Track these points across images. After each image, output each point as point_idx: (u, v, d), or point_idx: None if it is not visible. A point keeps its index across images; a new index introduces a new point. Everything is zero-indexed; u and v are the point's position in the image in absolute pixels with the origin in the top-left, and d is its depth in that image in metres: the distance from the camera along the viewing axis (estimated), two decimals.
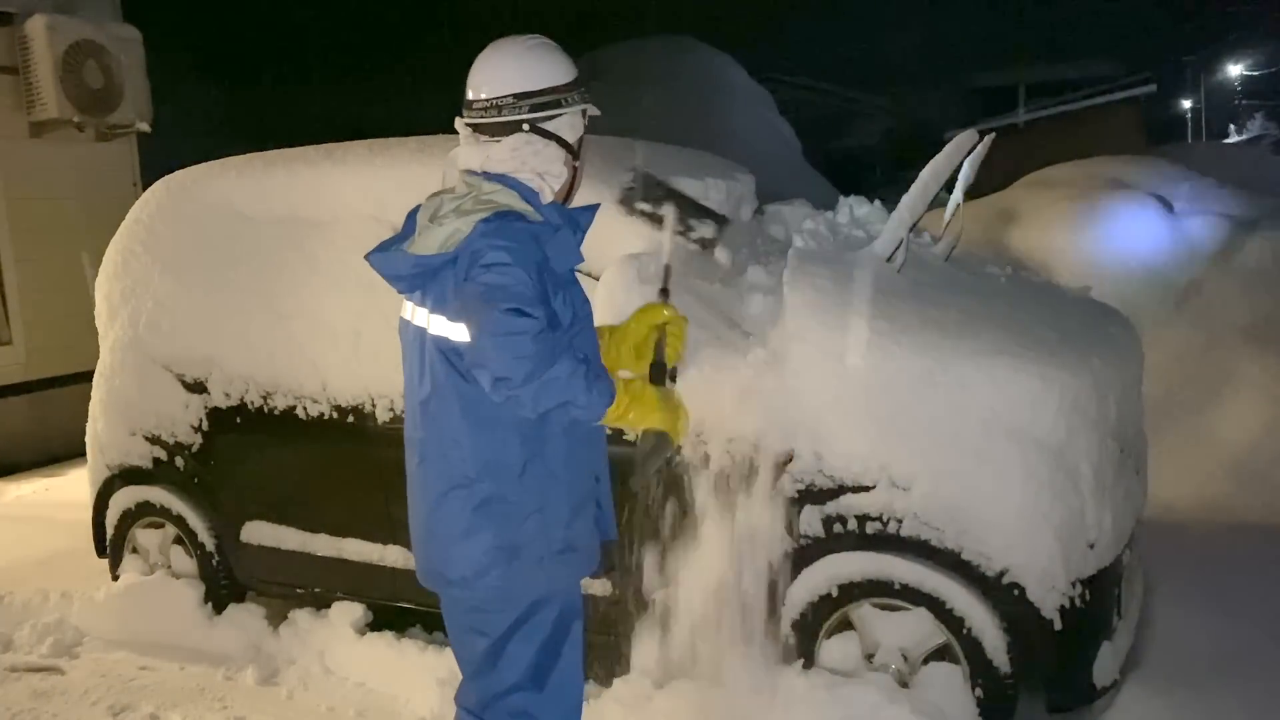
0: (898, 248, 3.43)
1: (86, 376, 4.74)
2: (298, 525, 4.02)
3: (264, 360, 4.00)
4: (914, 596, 3.04)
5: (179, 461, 4.25)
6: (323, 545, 3.98)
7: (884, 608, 3.11)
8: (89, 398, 4.57)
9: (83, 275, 4.78)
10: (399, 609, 3.91)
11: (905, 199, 3.43)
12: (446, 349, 2.24)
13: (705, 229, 2.60)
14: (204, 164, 4.42)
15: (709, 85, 16.28)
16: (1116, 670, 3.16)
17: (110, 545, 4.55)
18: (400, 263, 2.26)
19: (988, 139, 3.65)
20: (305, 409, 3.90)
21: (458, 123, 2.33)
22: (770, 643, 3.25)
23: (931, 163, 3.47)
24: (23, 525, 6.03)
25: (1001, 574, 2.93)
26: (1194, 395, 5.29)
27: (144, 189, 4.88)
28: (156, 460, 4.30)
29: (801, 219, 4.14)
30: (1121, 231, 6.22)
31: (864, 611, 3.14)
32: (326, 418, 3.86)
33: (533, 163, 2.25)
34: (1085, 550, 2.97)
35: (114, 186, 7.94)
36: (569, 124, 2.29)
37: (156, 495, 4.36)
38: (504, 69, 2.27)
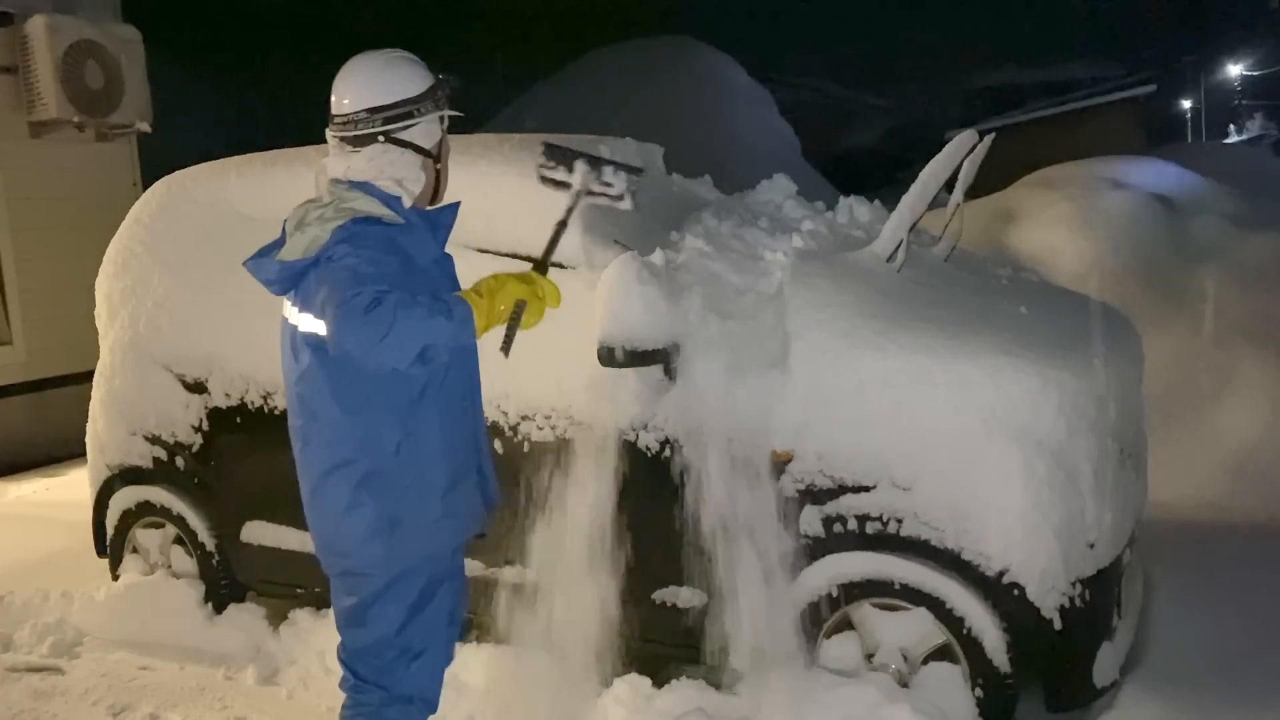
0: (898, 248, 3.43)
1: (86, 376, 4.74)
2: (298, 525, 4.00)
3: (264, 360, 3.99)
4: (914, 596, 3.05)
5: (179, 461, 4.26)
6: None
7: (884, 607, 3.12)
8: (89, 398, 4.57)
9: (83, 275, 4.78)
10: None
11: (905, 199, 3.43)
12: (314, 343, 2.41)
13: (619, 181, 2.76)
14: (204, 164, 4.42)
15: (709, 85, 16.29)
16: (1116, 670, 3.16)
17: (110, 545, 4.55)
18: (269, 268, 2.45)
19: (988, 139, 3.66)
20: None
21: (327, 133, 2.50)
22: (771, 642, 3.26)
23: (931, 163, 3.47)
24: (23, 525, 6.03)
25: (1001, 574, 2.93)
26: (1194, 395, 5.29)
27: (144, 189, 4.88)
28: (157, 460, 4.30)
29: (784, 194, 4.24)
30: (1121, 231, 6.22)
31: (864, 611, 3.14)
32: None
33: (390, 171, 2.43)
34: (1085, 550, 2.97)
35: (114, 186, 7.94)
36: (423, 132, 2.47)
37: (157, 495, 4.36)
38: (359, 85, 2.45)
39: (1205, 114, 36.79)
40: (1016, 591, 2.92)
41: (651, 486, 3.33)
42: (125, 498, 4.46)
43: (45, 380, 7.69)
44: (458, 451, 2.56)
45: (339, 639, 2.68)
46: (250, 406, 4.05)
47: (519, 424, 3.52)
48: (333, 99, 2.47)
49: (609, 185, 2.70)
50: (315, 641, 3.93)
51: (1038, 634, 2.96)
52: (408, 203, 2.45)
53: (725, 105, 15.99)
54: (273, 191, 4.05)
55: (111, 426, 4.43)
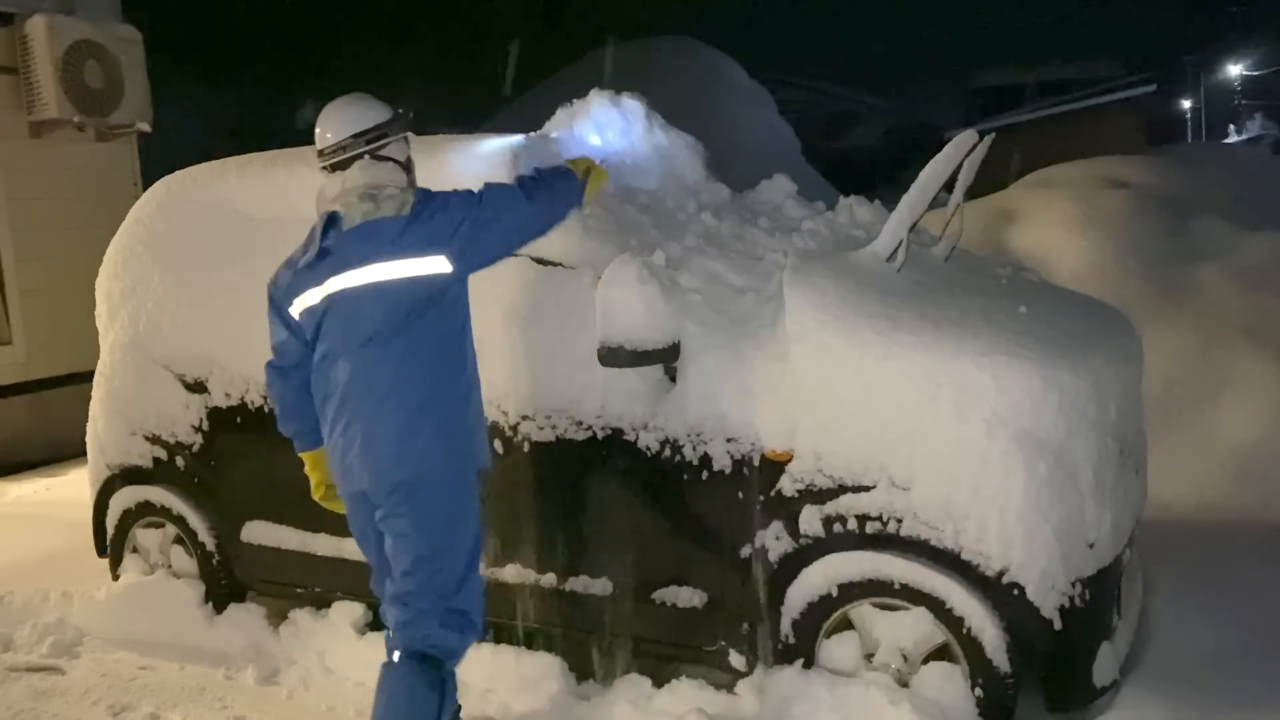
0: (898, 248, 3.43)
1: (86, 376, 4.74)
2: (298, 525, 4.02)
3: (263, 359, 3.99)
4: (914, 596, 3.04)
5: (179, 461, 4.26)
6: (323, 545, 3.98)
7: (884, 607, 3.11)
8: (89, 398, 4.57)
9: (83, 275, 4.78)
10: None
11: (905, 199, 3.43)
12: (419, 285, 2.92)
13: None
14: (204, 164, 4.42)
15: (709, 85, 16.29)
16: (1116, 670, 3.16)
17: (110, 545, 4.55)
18: (382, 231, 2.93)
19: (988, 139, 3.65)
20: None
21: (318, 166, 3.09)
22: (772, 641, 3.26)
23: (931, 163, 3.47)
24: (23, 525, 6.03)
25: (1001, 573, 2.93)
26: (1194, 395, 5.29)
27: (144, 189, 4.88)
28: (157, 460, 4.30)
29: (784, 194, 4.27)
30: (1121, 231, 6.22)
31: (864, 611, 3.14)
32: None
33: (380, 178, 3.01)
34: (1085, 550, 2.97)
35: (114, 186, 7.93)
36: (397, 148, 3.08)
37: (157, 495, 4.36)
38: (341, 119, 3.06)
39: (1205, 114, 36.79)
40: (1016, 591, 2.92)
41: (652, 486, 3.33)
42: (125, 497, 4.46)
43: (45, 380, 7.69)
44: (478, 389, 3.13)
45: (402, 588, 2.93)
46: (250, 406, 4.05)
47: (519, 424, 3.52)
48: (319, 135, 3.07)
49: None
50: (315, 642, 3.94)
51: (1038, 634, 2.96)
52: None
53: (725, 105, 15.99)
54: (273, 191, 4.06)
55: (111, 426, 4.43)
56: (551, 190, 3.08)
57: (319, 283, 2.98)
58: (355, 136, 3.01)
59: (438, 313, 2.94)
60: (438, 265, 2.91)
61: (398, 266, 2.90)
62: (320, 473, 3.21)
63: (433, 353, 2.95)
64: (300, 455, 3.25)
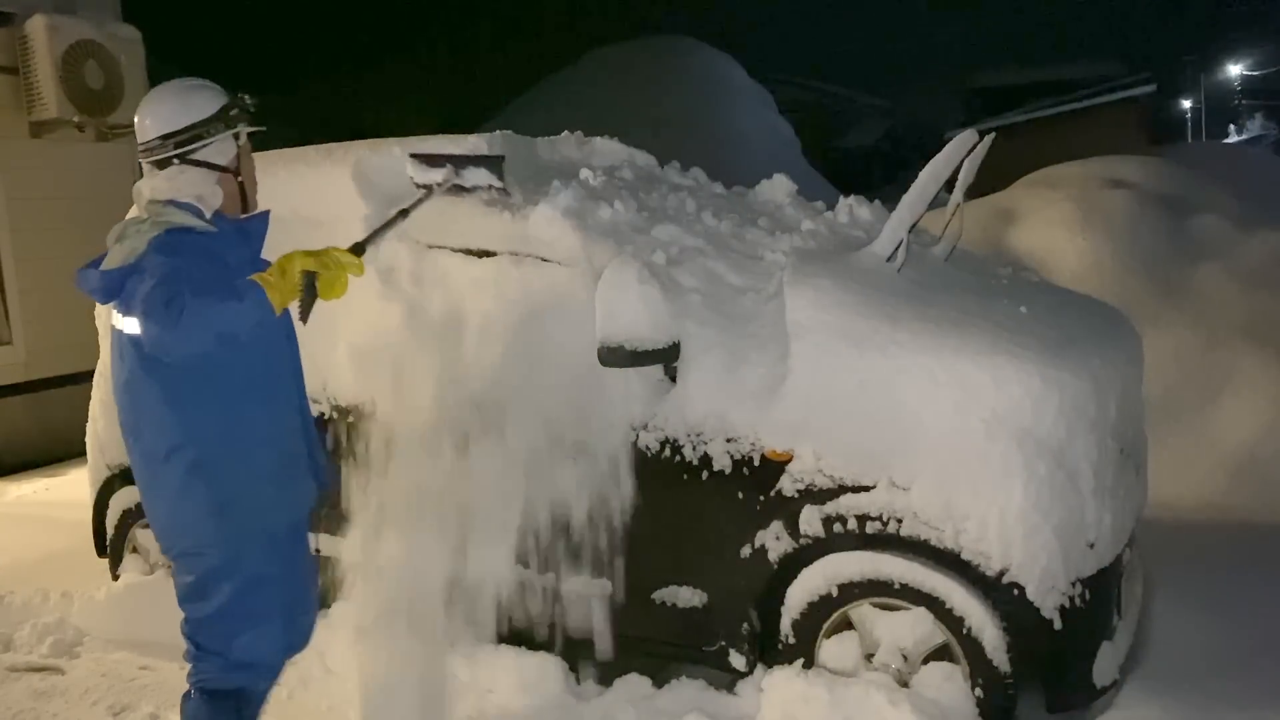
0: (898, 248, 3.43)
1: (86, 376, 4.73)
2: None
3: None
4: (914, 596, 3.05)
5: None
6: (322, 545, 3.98)
7: (884, 607, 3.12)
8: (89, 398, 4.57)
9: None
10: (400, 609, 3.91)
11: (905, 199, 3.43)
12: (137, 342, 2.60)
13: (479, 175, 3.37)
14: None
15: (709, 85, 16.30)
16: (1116, 670, 3.16)
17: (110, 545, 4.55)
18: (91, 278, 2.65)
19: (988, 139, 3.65)
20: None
21: (138, 158, 2.78)
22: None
23: (931, 163, 3.47)
24: (23, 525, 6.03)
25: (1001, 573, 2.93)
26: (1194, 395, 5.29)
27: None
28: None
29: (784, 194, 4.28)
30: (1121, 231, 6.22)
31: (864, 611, 3.14)
32: (327, 417, 3.86)
33: (187, 188, 2.69)
34: (1085, 550, 2.97)
35: (114, 186, 7.92)
36: (217, 150, 2.73)
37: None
38: (153, 114, 2.73)
39: (1205, 114, 36.80)
40: (1016, 591, 2.92)
41: (652, 486, 3.33)
42: (125, 497, 4.45)
43: (45, 380, 7.69)
44: (284, 436, 2.83)
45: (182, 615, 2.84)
46: None
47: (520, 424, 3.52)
48: (135, 127, 2.75)
49: (473, 178, 3.33)
50: (315, 641, 3.92)
51: (1038, 634, 2.96)
52: (208, 214, 2.71)
53: (725, 105, 16.00)
54: (273, 191, 4.05)
55: (111, 426, 4.41)
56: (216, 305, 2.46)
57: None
58: (164, 138, 2.69)
59: (181, 371, 2.60)
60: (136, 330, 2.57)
61: (123, 321, 2.64)
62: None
63: (192, 408, 2.64)
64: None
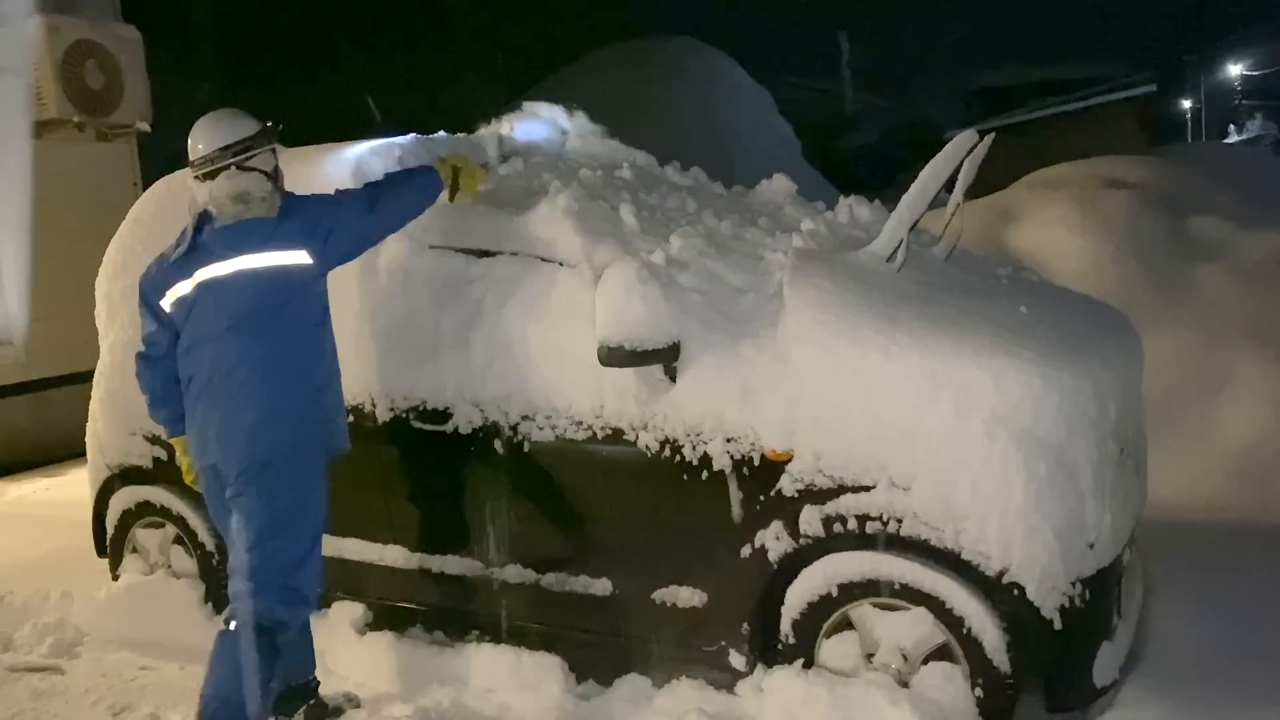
0: (898, 248, 3.43)
1: (86, 376, 4.73)
2: None
3: None
4: (914, 596, 3.05)
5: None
6: (323, 545, 3.98)
7: (884, 607, 3.11)
8: (89, 398, 4.57)
9: (83, 275, 4.78)
10: (399, 609, 3.91)
11: (905, 199, 3.43)
12: (284, 275, 3.18)
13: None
14: None
15: (709, 85, 16.30)
16: (1116, 670, 3.16)
17: (110, 545, 4.55)
18: (253, 229, 3.19)
19: (988, 139, 3.65)
20: None
21: (189, 179, 3.29)
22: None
23: (931, 163, 3.47)
24: (23, 525, 6.03)
25: (1001, 573, 2.93)
26: (1194, 395, 5.29)
27: (144, 189, 4.87)
28: (156, 460, 4.29)
29: (784, 194, 4.31)
30: (1121, 231, 6.21)
31: (864, 611, 3.14)
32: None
33: (247, 186, 3.21)
34: (1085, 550, 2.97)
35: (114, 186, 7.94)
36: (261, 160, 3.25)
37: (157, 495, 4.36)
38: (210, 133, 3.24)
39: (1205, 114, 36.79)
40: (1016, 591, 2.92)
41: (652, 486, 3.33)
42: (125, 497, 4.46)
43: (45, 380, 7.69)
44: (340, 383, 3.40)
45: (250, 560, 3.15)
46: None
47: (519, 424, 3.52)
48: (190, 148, 3.25)
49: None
50: (315, 641, 3.93)
51: (1038, 634, 2.96)
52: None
53: (725, 105, 16.00)
54: None
55: (111, 426, 4.43)
56: (398, 193, 3.39)
57: (188, 275, 3.21)
58: (223, 149, 3.20)
59: (300, 304, 3.21)
60: (301, 259, 3.19)
61: (265, 258, 3.17)
62: (190, 458, 3.40)
63: (293, 342, 3.20)
64: (171, 441, 3.50)
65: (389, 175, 3.52)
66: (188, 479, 3.49)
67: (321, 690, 3.56)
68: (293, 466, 3.17)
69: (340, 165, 3.84)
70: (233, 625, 3.12)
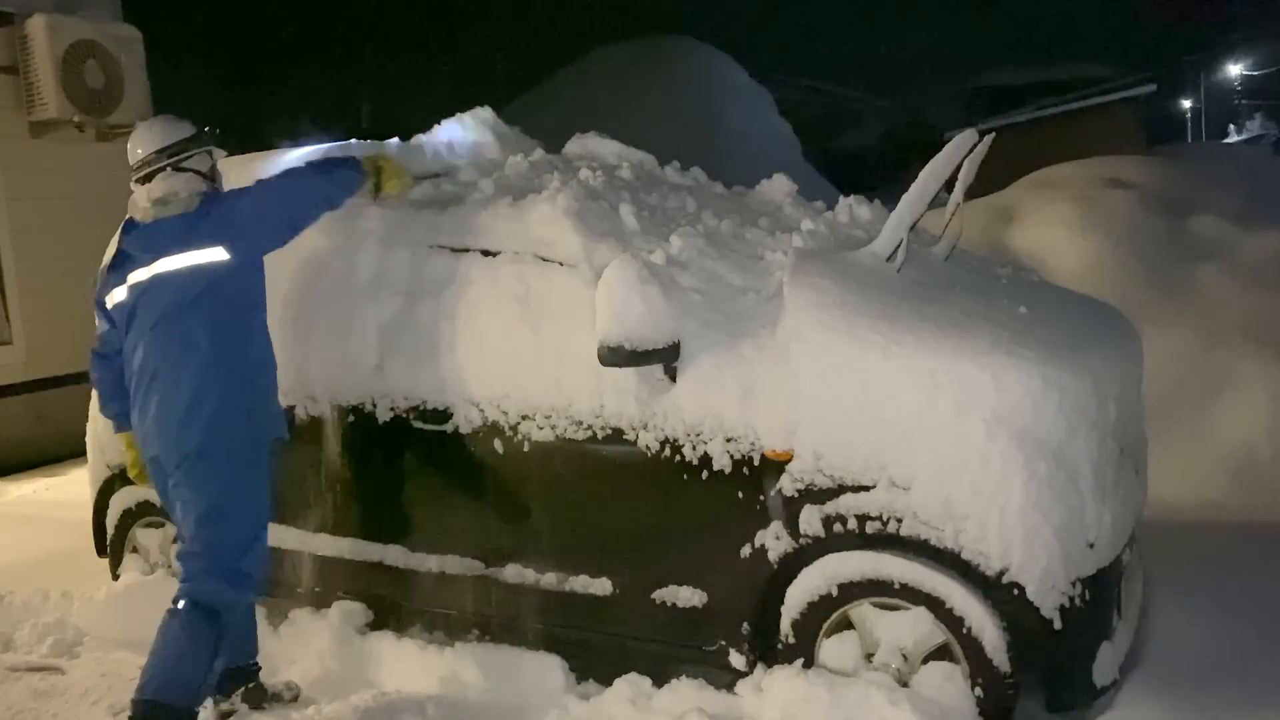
0: (898, 247, 3.43)
1: (86, 376, 4.71)
2: (296, 525, 4.02)
3: None
4: (914, 596, 3.05)
5: None
6: (322, 545, 3.98)
7: (884, 607, 3.11)
8: (89, 398, 4.55)
9: (83, 275, 4.78)
10: (399, 609, 3.91)
11: (905, 199, 3.43)
12: (202, 272, 3.29)
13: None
14: None
15: (709, 85, 16.30)
16: (1116, 670, 3.16)
17: (110, 545, 4.55)
18: (166, 225, 3.33)
19: (988, 139, 3.66)
20: (305, 409, 3.91)
21: (131, 184, 3.43)
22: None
23: (931, 163, 3.47)
24: (23, 525, 6.03)
25: (1001, 573, 2.93)
26: (1194, 395, 5.29)
27: None
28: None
29: (784, 194, 4.30)
30: (1121, 231, 6.22)
31: (864, 611, 3.14)
32: (327, 418, 3.87)
33: (177, 187, 3.37)
34: (1085, 550, 2.97)
35: (114, 186, 7.91)
36: (197, 162, 3.43)
37: (156, 495, 4.35)
38: (146, 138, 3.41)
39: (1205, 114, 36.81)
40: (1016, 591, 2.92)
41: (652, 486, 3.33)
42: (125, 497, 4.45)
43: (45, 380, 7.69)
44: (275, 367, 3.51)
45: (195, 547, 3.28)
46: None
47: (519, 424, 3.52)
48: (129, 152, 3.42)
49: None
50: (315, 642, 3.93)
51: (1038, 634, 2.96)
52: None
53: (725, 105, 16.01)
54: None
55: (111, 426, 4.42)
56: (313, 183, 3.52)
57: (123, 281, 3.40)
58: (158, 152, 3.38)
59: (222, 297, 3.31)
60: (218, 255, 3.30)
61: (182, 258, 3.30)
62: (136, 452, 3.57)
63: (218, 334, 3.30)
64: (117, 436, 3.69)
65: (308, 163, 3.65)
66: (131, 473, 3.68)
67: (270, 678, 3.61)
68: (227, 455, 3.29)
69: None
70: (180, 605, 3.25)
